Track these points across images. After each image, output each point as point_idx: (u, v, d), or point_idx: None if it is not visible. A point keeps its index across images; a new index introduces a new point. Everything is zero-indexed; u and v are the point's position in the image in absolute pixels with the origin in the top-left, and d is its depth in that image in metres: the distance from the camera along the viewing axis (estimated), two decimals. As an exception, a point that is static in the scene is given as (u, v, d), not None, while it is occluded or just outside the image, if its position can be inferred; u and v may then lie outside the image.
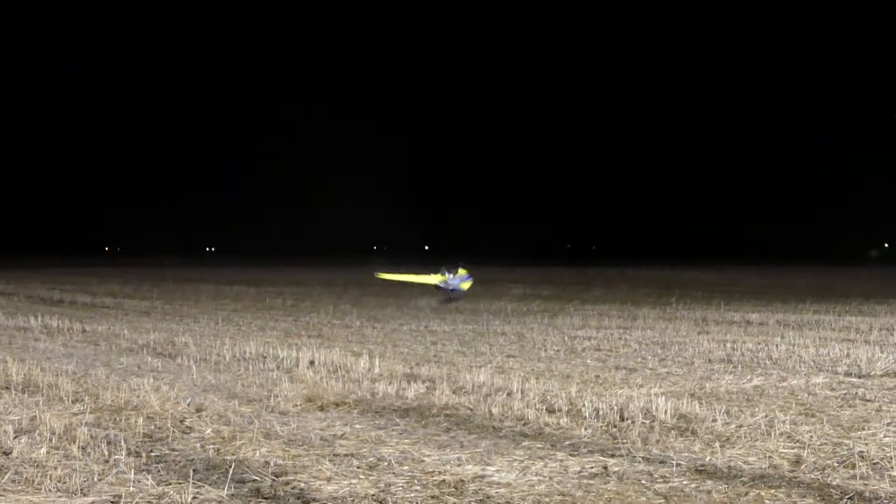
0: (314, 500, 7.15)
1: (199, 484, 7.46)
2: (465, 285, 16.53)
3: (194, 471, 7.88)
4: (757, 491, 7.30)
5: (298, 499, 7.18)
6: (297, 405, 11.03)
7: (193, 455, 8.50)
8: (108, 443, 8.94)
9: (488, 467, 8.05)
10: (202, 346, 17.06)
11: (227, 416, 10.38)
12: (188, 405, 10.93)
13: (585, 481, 7.61)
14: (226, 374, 13.87)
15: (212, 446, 8.84)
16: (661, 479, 7.65)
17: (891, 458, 8.24)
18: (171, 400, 11.13)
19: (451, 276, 16.33)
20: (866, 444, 8.93)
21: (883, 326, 20.81)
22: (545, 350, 16.82)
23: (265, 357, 15.52)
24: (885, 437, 9.26)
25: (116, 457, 8.40)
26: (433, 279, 16.52)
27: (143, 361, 15.31)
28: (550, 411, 10.55)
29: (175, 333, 19.60)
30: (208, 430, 9.53)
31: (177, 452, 8.62)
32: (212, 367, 14.60)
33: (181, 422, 10.01)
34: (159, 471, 7.94)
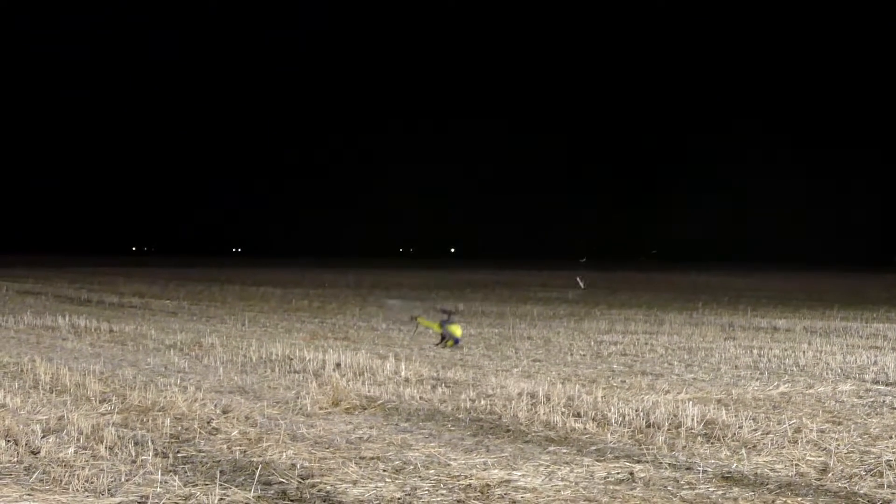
0: (340, 502, 7.16)
1: (226, 485, 7.49)
2: (457, 331, 16.98)
3: (221, 472, 7.90)
4: (783, 499, 7.28)
5: (325, 501, 7.19)
6: (323, 407, 11.05)
7: (220, 456, 8.52)
8: (136, 443, 8.97)
9: (514, 472, 8.04)
10: (229, 347, 17.10)
11: (254, 417, 10.41)
12: (215, 406, 10.96)
13: (611, 487, 7.61)
14: (252, 375, 13.90)
15: (238, 448, 8.87)
16: (687, 486, 7.63)
17: (918, 467, 8.22)
18: (198, 401, 11.16)
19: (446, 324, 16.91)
20: (894, 452, 8.89)
21: (911, 334, 20.73)
22: (571, 355, 16.81)
23: (291, 359, 15.55)
24: (912, 446, 9.23)
25: (143, 457, 8.42)
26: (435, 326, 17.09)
27: (170, 362, 15.35)
28: (576, 416, 10.55)
29: (202, 334, 19.65)
30: (235, 432, 9.56)
31: (203, 454, 8.65)
32: (238, 368, 14.63)
33: (208, 423, 10.03)
34: (186, 472, 7.96)
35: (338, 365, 14.73)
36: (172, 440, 9.25)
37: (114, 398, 11.49)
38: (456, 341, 17.34)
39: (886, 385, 13.22)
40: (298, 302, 31.81)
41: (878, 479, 7.86)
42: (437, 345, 17.66)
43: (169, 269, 70.05)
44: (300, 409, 11.02)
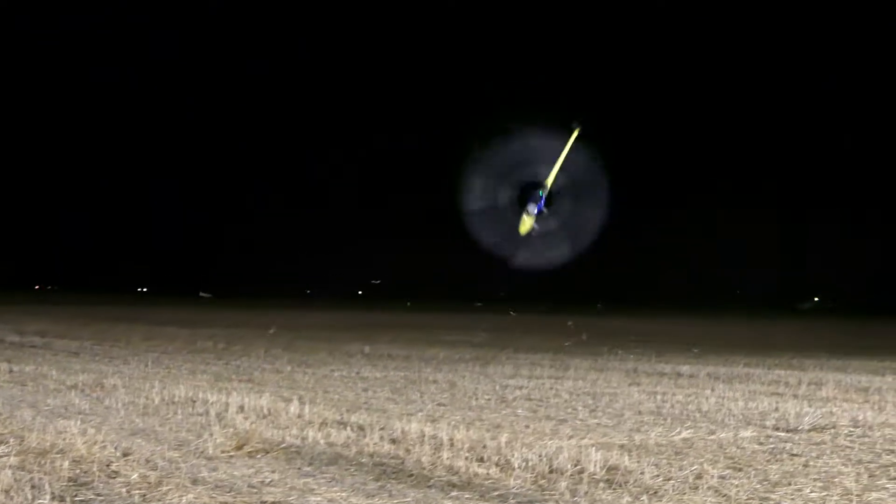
0: (239, 548, 7.10)
1: (124, 530, 7.39)
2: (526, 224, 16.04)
3: (119, 517, 7.81)
4: (683, 546, 7.33)
5: (224, 547, 7.12)
6: (225, 451, 10.95)
7: (119, 500, 8.42)
8: (33, 486, 8.82)
9: (416, 518, 8.02)
10: (131, 389, 16.91)
11: (155, 460, 10.29)
12: (115, 449, 10.82)
13: (513, 533, 7.61)
14: (154, 417, 13.75)
15: (138, 491, 8.76)
16: (588, 533, 7.66)
17: (816, 514, 8.32)
18: (98, 443, 11.00)
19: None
20: (793, 499, 9.00)
21: (811, 381, 20.97)
22: (476, 399, 16.82)
23: (194, 401, 15.40)
24: (811, 492, 9.33)
25: (40, 501, 8.30)
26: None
27: (71, 403, 15.13)
28: (480, 461, 10.54)
29: (104, 375, 19.41)
30: (135, 475, 9.44)
31: (102, 497, 8.53)
32: (140, 410, 14.47)
33: (107, 466, 9.90)
34: (83, 516, 7.85)
35: (241, 407, 14.61)
36: (70, 483, 9.12)
37: (11, 440, 11.31)
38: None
39: (787, 432, 13.35)
40: (203, 343, 31.55)
41: (776, 526, 7.94)
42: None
43: (73, 308, 69.16)
44: (202, 452, 10.92)
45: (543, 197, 16.22)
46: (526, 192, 16.31)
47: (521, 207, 16.29)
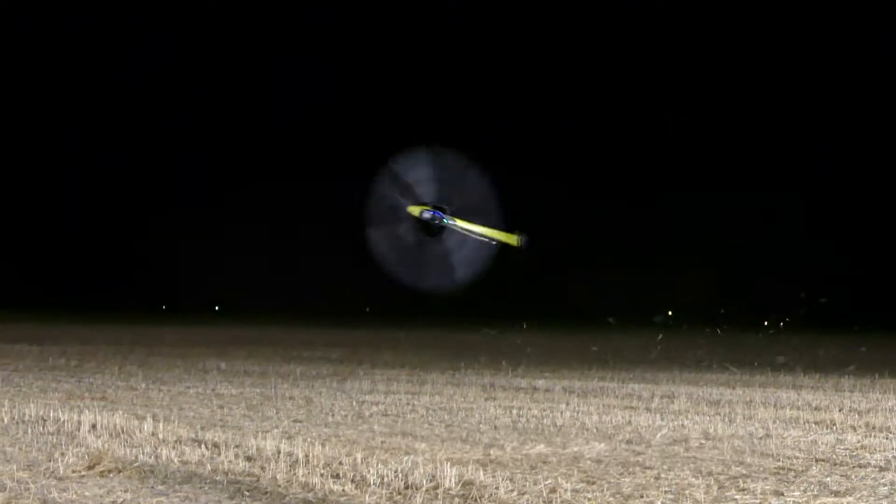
0: (90, 570, 7.01)
1: (-30, 554, 7.25)
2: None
3: (-35, 540, 7.65)
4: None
5: (74, 569, 7.03)
6: (76, 471, 10.79)
7: (-35, 523, 8.25)
8: None
9: (271, 536, 8.00)
10: (-21, 408, 16.57)
11: (3, 481, 10.10)
12: (-39, 470, 10.61)
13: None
14: (3, 437, 13.48)
15: (-15, 514, 8.60)
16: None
17: (666, 526, 8.47)
18: (-56, 464, 10.79)
19: None
20: (643, 511, 9.15)
21: (664, 394, 21.32)
22: (332, 415, 16.80)
23: (45, 420, 15.15)
24: (662, 503, 9.50)
25: None
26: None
27: (-85, 424, 14.79)
28: (335, 477, 10.54)
29: (-49, 394, 18.99)
30: (-18, 497, 9.27)
31: (-53, 520, 8.36)
32: (-11, 429, 14.20)
33: (-47, 488, 9.71)
34: (-73, 540, 7.69)
35: (94, 426, 14.41)
36: (-86, 506, 8.92)
37: None
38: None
39: (639, 444, 13.57)
40: (56, 360, 30.98)
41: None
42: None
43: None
44: (52, 472, 10.74)
45: (439, 213, 16.28)
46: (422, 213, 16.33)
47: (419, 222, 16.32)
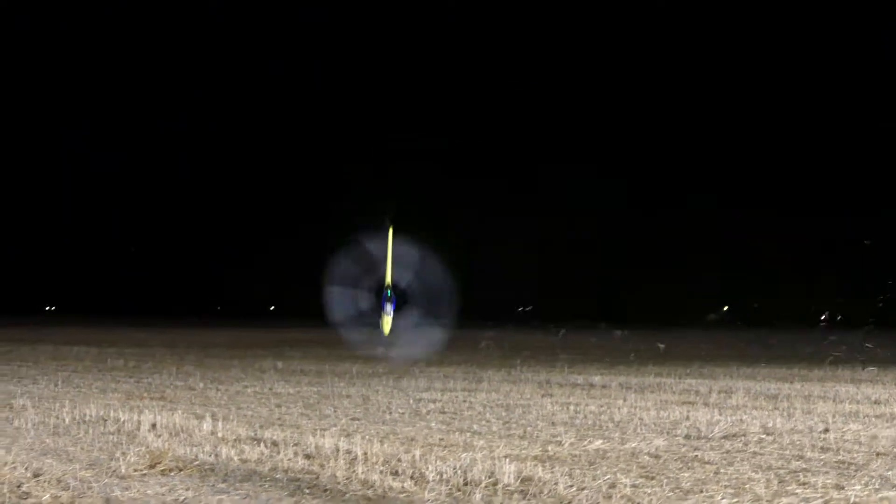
0: (154, 566, 7.06)
1: (36, 551, 7.32)
2: (385, 326, 16.09)
3: (31, 538, 7.73)
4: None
5: (138, 566, 7.08)
6: (138, 469, 10.88)
7: (30, 521, 8.34)
8: (-59, 509, 8.72)
9: (332, 532, 8.03)
10: (41, 409, 16.72)
11: (66, 480, 10.19)
12: (25, 469, 10.70)
13: (429, 546, 7.64)
14: (65, 437, 13.61)
15: (49, 512, 8.68)
16: (503, 543, 7.70)
17: (727, 520, 8.43)
18: (8, 464, 10.89)
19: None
20: (704, 506, 9.11)
21: (722, 389, 21.24)
22: (390, 413, 16.83)
23: (106, 420, 15.27)
24: (722, 498, 9.45)
25: (-50, 523, 8.20)
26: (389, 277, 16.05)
27: (-21, 425, 14.95)
28: (394, 475, 10.56)
29: (12, 395, 19.16)
30: (46, 496, 9.35)
31: (13, 519, 8.44)
32: (51, 430, 14.31)
33: (18, 487, 9.80)
34: (-6, 538, 7.77)
35: (153, 425, 14.51)
36: (-20, 505, 9.02)
37: (-81, 462, 11.14)
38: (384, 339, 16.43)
39: (698, 440, 13.52)
40: (114, 361, 31.24)
41: (689, 533, 8.03)
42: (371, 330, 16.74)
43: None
44: (114, 471, 10.83)
45: (392, 294, 16.39)
46: (379, 294, 16.47)
47: (380, 310, 16.44)
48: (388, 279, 16.09)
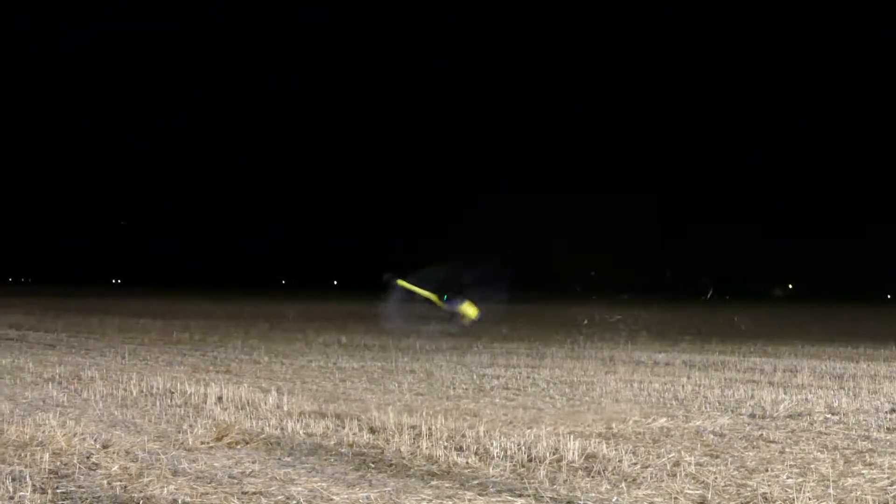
0: (223, 538, 7.13)
1: (106, 522, 7.41)
2: (470, 312, 16.07)
3: (101, 508, 7.82)
4: (662, 532, 7.39)
5: (207, 537, 7.15)
6: (205, 442, 10.98)
7: (100, 492, 8.43)
8: (13, 479, 8.83)
9: (397, 506, 8.07)
10: (108, 381, 16.91)
11: (135, 452, 10.31)
12: (94, 441, 10.83)
13: (494, 521, 7.66)
14: (133, 409, 13.76)
15: (119, 483, 8.77)
16: (568, 520, 7.71)
17: (793, 499, 8.39)
18: (78, 435, 11.02)
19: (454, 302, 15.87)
20: (769, 485, 9.06)
21: (787, 368, 21.12)
22: (454, 388, 16.87)
23: (173, 392, 15.42)
24: (787, 478, 9.41)
25: (21, 493, 8.31)
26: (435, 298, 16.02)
27: (49, 395, 15.12)
28: (459, 450, 10.59)
29: (81, 367, 19.39)
30: (115, 467, 9.45)
31: (83, 489, 8.54)
32: (118, 402, 14.48)
33: (87, 458, 9.91)
34: (65, 508, 7.87)
35: (220, 398, 14.63)
36: (51, 475, 9.13)
37: (-10, 433, 11.30)
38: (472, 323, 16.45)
39: (763, 418, 13.45)
40: (179, 334, 31.50)
41: (754, 512, 8.00)
42: (451, 325, 16.89)
43: (46, 300, 68.81)
44: (182, 443, 10.94)
45: (450, 296, 16.32)
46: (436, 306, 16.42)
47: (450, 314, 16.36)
48: (433, 297, 16.03)
